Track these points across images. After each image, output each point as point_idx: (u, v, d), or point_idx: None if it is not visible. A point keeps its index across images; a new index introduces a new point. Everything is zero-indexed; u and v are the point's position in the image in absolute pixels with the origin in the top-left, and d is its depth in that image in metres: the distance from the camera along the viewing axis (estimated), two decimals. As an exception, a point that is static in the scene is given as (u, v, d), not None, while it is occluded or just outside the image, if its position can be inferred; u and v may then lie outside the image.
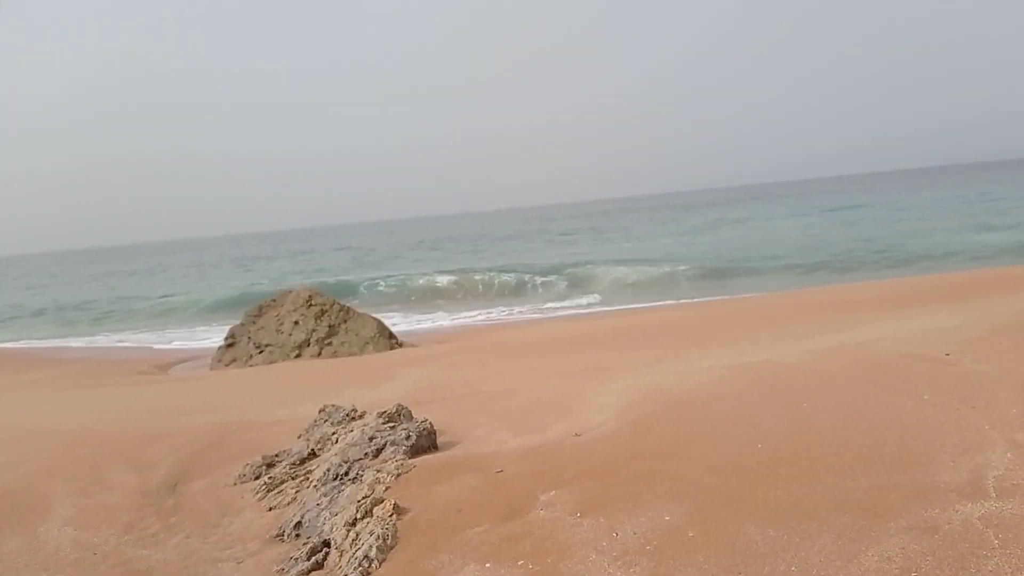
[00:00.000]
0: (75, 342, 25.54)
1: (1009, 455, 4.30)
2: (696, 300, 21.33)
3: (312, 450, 6.38)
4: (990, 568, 3.15)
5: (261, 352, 15.81)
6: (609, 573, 3.54)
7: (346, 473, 5.43)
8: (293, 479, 5.90)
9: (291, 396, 9.98)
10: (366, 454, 5.68)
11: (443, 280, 33.00)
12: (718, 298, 20.91)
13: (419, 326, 21.73)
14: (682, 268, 29.35)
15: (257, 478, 6.14)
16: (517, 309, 24.06)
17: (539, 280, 31.01)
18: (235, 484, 6.16)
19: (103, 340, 25.52)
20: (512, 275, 32.29)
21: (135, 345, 22.91)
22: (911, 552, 3.34)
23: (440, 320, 23.06)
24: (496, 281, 31.56)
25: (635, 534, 3.87)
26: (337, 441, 6.34)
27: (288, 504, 5.51)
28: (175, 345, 21.85)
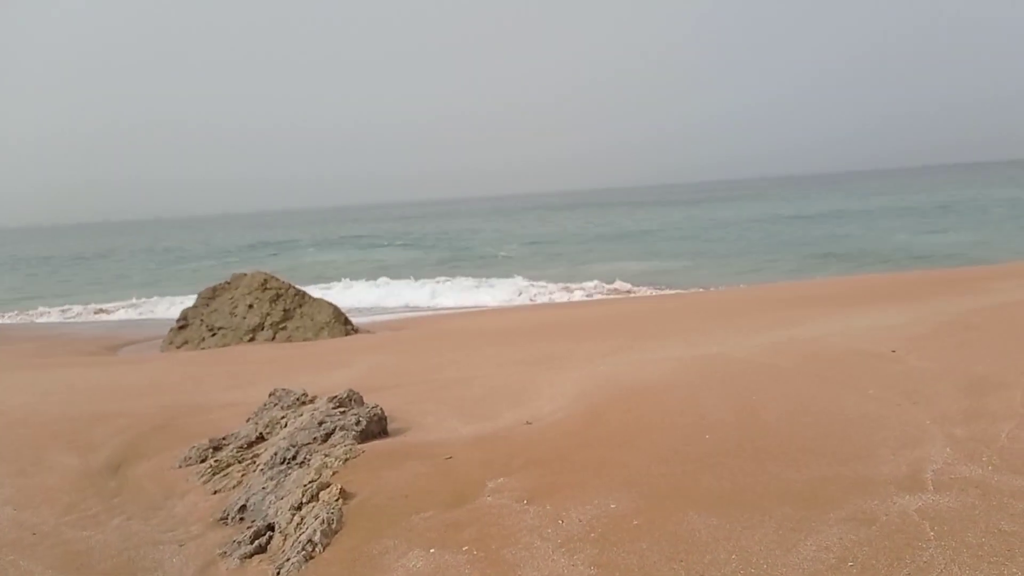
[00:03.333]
0: (23, 319, 24.99)
1: (948, 450, 4.40)
2: (653, 293, 21.50)
3: (260, 434, 6.29)
4: (925, 559, 3.22)
5: (214, 335, 15.58)
6: (552, 560, 3.55)
7: (294, 457, 5.37)
8: (240, 463, 5.82)
9: (242, 380, 9.84)
10: (315, 439, 5.62)
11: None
12: (675, 292, 21.07)
13: (376, 316, 21.61)
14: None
15: (203, 461, 6.04)
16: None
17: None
18: (180, 467, 6.05)
19: (52, 318, 25.00)
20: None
21: (85, 321, 22.46)
22: (848, 542, 3.40)
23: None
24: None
25: (580, 522, 3.89)
26: (286, 425, 6.27)
27: (234, 487, 5.43)
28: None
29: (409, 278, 28.60)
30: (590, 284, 24.05)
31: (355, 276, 30.91)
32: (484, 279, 27.10)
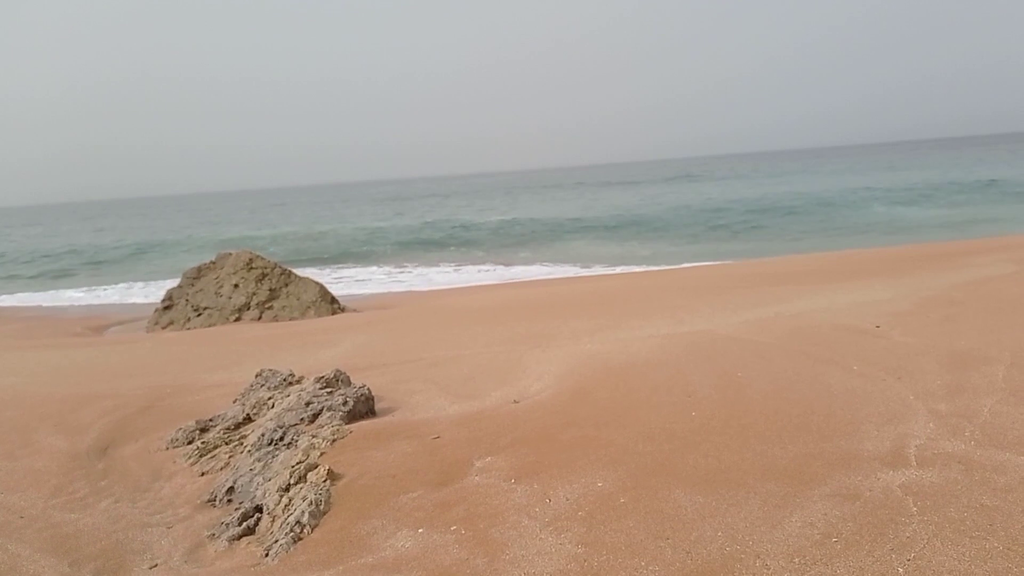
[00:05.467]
0: (8, 300, 24.80)
1: (931, 425, 4.44)
2: (640, 269, 21.52)
3: (247, 415, 6.29)
4: (908, 534, 3.25)
5: (199, 315, 15.52)
6: (540, 539, 3.57)
7: (281, 438, 5.37)
8: (227, 444, 5.82)
9: (228, 360, 9.82)
10: (302, 419, 5.63)
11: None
12: (661, 268, 21.10)
13: (363, 290, 21.56)
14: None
15: (190, 443, 6.04)
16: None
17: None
18: (167, 448, 6.05)
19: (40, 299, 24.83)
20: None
21: (70, 303, 22.33)
22: (833, 518, 3.43)
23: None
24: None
25: (568, 500, 3.91)
26: (273, 406, 6.27)
27: (221, 469, 5.43)
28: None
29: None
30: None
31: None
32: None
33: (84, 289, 27.16)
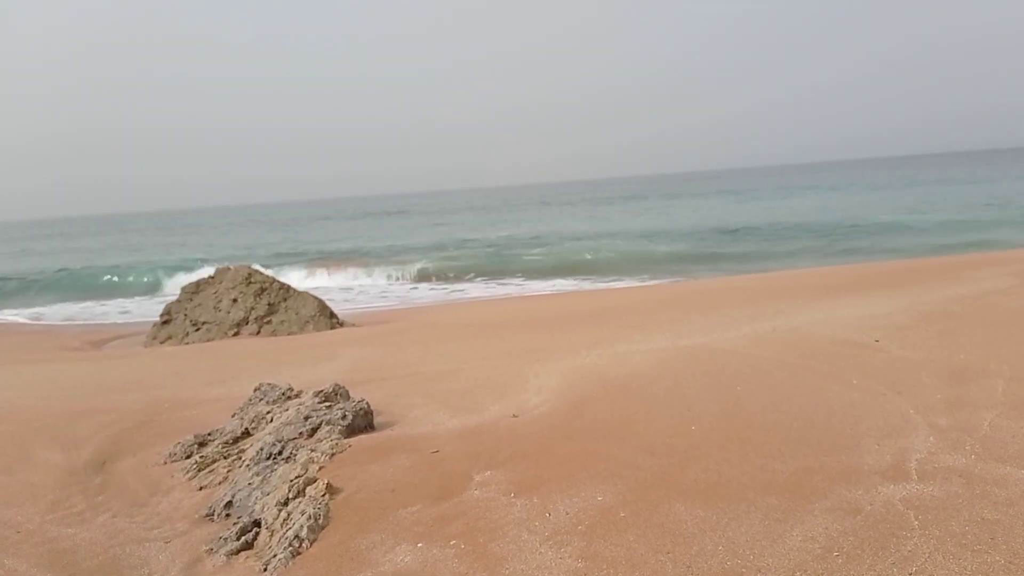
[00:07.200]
0: (6, 315, 24.76)
1: (931, 439, 4.44)
2: (639, 283, 21.55)
3: (246, 429, 6.27)
4: (909, 548, 3.25)
5: (198, 330, 15.49)
6: (540, 553, 3.55)
7: (280, 452, 5.36)
8: (225, 458, 5.80)
9: (227, 374, 9.80)
10: (301, 433, 5.61)
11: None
12: (660, 282, 21.13)
13: (361, 305, 21.57)
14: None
15: (188, 457, 6.02)
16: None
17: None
18: (165, 463, 6.03)
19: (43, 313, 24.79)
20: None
21: (66, 322, 22.30)
22: (834, 532, 3.42)
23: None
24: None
25: (567, 514, 3.90)
26: (272, 420, 6.25)
27: (219, 483, 5.41)
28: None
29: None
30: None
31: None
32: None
33: (83, 304, 27.14)
